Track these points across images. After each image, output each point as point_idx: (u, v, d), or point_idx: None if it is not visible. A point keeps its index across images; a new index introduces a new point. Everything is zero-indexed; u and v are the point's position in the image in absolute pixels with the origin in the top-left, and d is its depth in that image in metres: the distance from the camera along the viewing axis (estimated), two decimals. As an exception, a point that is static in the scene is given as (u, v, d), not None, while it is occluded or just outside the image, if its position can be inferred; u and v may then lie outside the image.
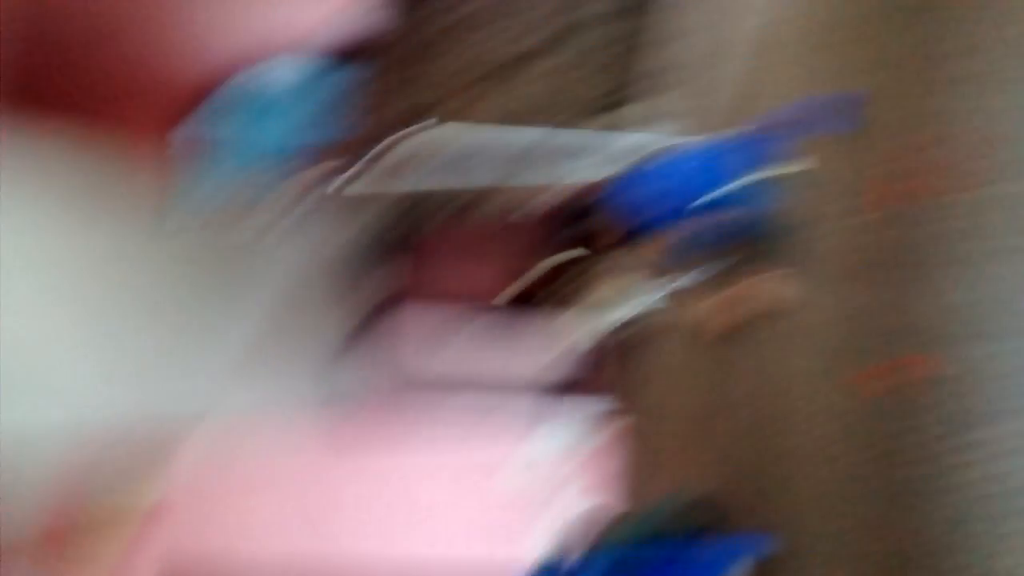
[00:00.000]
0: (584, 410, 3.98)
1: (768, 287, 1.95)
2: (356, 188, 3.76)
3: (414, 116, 3.86)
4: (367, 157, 3.72)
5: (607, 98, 3.64)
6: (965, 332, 0.99)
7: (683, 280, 3.09)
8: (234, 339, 3.40)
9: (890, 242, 1.08)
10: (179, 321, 3.24)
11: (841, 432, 1.45)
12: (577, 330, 3.35)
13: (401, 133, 3.43)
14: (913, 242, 1.02)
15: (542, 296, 3.33)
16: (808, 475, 1.60)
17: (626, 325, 3.32)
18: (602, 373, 4.42)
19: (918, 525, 1.23)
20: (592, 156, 3.56)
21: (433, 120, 3.76)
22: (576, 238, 2.12)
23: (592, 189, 2.08)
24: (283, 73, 3.37)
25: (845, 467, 1.45)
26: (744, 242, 1.97)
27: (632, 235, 2.12)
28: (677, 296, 3.06)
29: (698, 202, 1.99)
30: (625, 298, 3.23)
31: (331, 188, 3.70)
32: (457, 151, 3.59)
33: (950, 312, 1.02)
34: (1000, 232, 0.92)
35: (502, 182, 3.55)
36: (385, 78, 3.99)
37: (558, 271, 3.23)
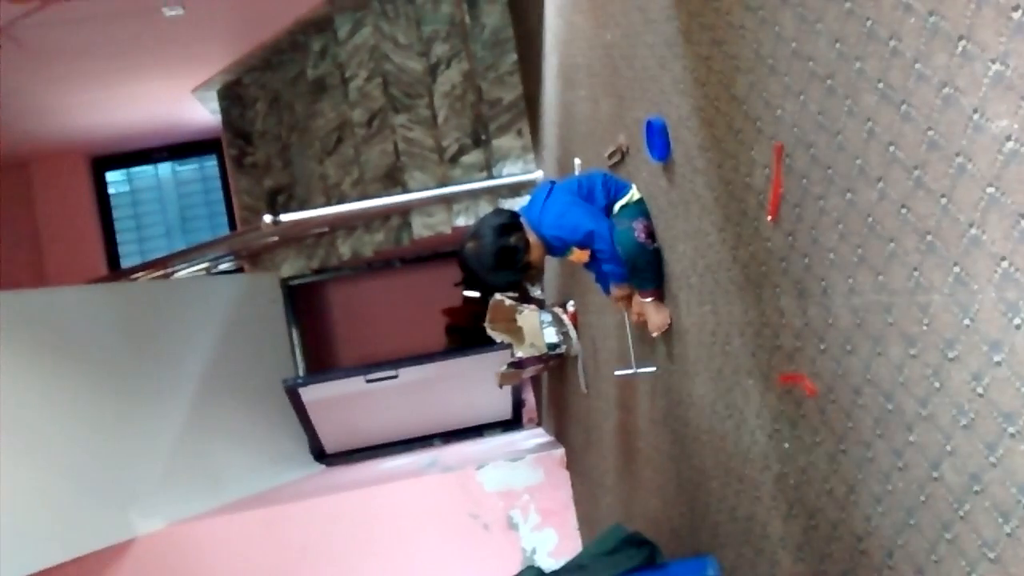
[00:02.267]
0: (528, 443, 4.12)
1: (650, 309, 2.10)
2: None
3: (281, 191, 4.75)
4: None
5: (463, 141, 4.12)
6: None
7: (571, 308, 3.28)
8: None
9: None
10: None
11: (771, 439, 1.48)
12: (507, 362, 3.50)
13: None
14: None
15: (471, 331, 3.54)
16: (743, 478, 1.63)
17: (548, 356, 3.44)
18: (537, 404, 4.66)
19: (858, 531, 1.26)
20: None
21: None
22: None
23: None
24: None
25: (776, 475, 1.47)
26: (625, 269, 2.10)
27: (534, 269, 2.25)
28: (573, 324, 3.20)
29: (576, 236, 2.15)
30: (540, 331, 3.39)
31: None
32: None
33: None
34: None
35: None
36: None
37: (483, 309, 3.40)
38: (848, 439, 1.30)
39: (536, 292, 4.00)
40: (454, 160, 4.22)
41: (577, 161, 2.94)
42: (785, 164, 1.38)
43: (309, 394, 4.50)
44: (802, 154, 1.32)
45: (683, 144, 1.86)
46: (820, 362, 1.36)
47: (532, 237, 2.22)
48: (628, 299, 2.23)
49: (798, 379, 1.44)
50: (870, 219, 1.15)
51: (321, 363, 5.61)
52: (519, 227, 2.22)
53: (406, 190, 4.22)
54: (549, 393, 4.48)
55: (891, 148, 1.09)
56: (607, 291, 2.36)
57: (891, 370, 1.15)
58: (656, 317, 2.13)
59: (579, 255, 2.26)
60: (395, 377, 4.54)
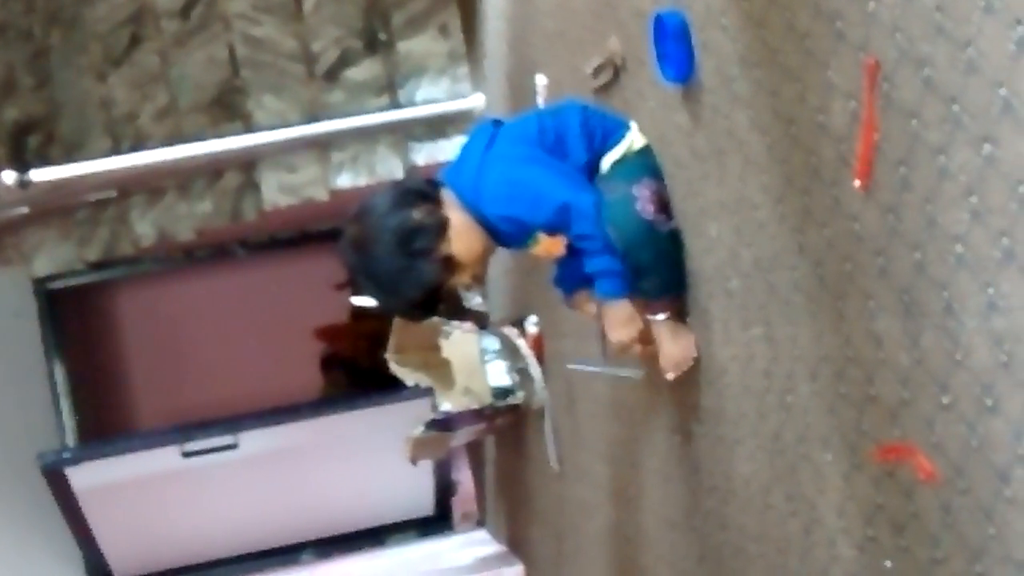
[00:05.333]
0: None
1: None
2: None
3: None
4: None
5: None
6: None
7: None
8: None
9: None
10: None
11: None
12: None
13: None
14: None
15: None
16: None
17: (494, 410, 3.49)
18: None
19: None
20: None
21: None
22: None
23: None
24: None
25: None
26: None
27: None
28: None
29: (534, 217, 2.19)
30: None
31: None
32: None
33: None
34: None
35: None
36: None
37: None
38: (988, 555, 1.31)
39: (474, 302, 3.99)
40: (332, 76, 4.19)
41: (540, 82, 2.94)
42: (882, 92, 1.38)
43: (83, 477, 4.41)
44: (910, 75, 1.32)
45: (715, 54, 1.85)
46: (942, 425, 1.36)
47: (460, 217, 2.21)
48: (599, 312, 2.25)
49: (906, 453, 1.44)
50: (1023, 187, 1.16)
51: (105, 424, 5.54)
52: (430, 201, 2.21)
53: (250, 127, 4.17)
54: (497, 472, 4.48)
55: (1055, 69, 1.09)
56: (568, 294, 2.39)
57: (1058, 440, 1.16)
58: (673, 347, 2.13)
59: (549, 245, 2.25)
60: (234, 447, 4.49)
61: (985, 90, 1.20)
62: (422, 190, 2.24)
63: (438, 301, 2.31)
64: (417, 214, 2.19)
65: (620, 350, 2.19)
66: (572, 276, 2.33)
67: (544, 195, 2.14)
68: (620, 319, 2.16)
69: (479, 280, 2.36)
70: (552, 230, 2.20)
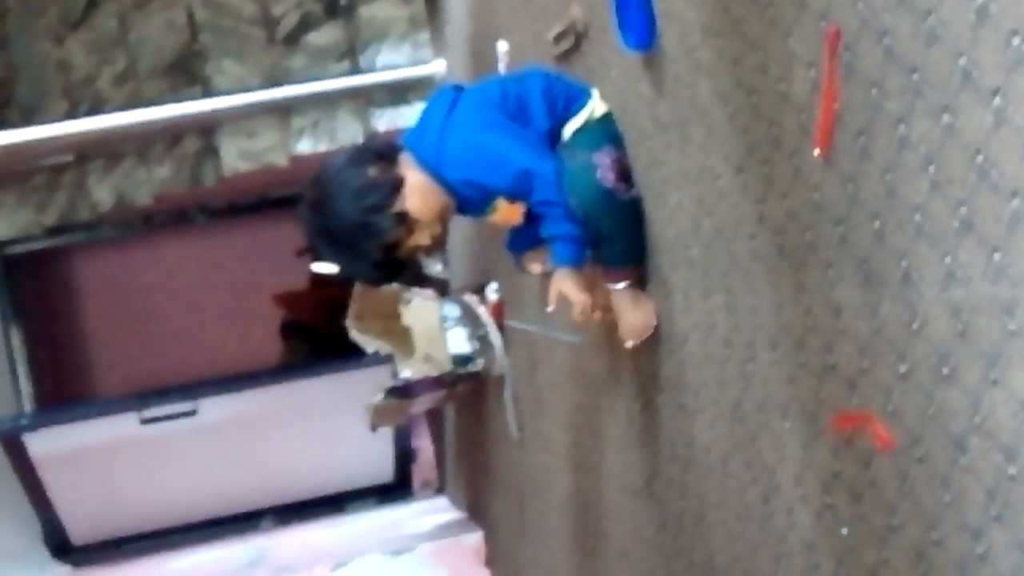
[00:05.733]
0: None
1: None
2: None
3: None
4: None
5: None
6: None
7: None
8: None
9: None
10: None
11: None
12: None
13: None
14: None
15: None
16: None
17: (454, 377, 3.49)
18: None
19: None
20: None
21: None
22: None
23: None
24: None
25: None
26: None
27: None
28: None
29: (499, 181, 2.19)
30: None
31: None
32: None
33: None
34: None
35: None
36: None
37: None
38: (944, 523, 1.33)
39: (435, 269, 3.99)
40: (292, 40, 4.16)
41: (502, 48, 2.93)
42: (843, 61, 1.39)
43: (41, 444, 4.40)
44: (871, 45, 1.33)
45: (677, 22, 1.85)
46: (899, 394, 1.38)
47: (416, 176, 2.20)
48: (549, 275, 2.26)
49: (863, 421, 1.46)
50: (981, 157, 1.17)
51: (63, 390, 5.52)
52: (387, 161, 2.21)
53: (209, 92, 4.14)
54: (457, 440, 4.48)
55: (1016, 39, 1.10)
56: (517, 256, 2.40)
57: (1017, 408, 1.17)
58: (633, 315, 2.14)
59: (507, 212, 2.25)
60: (192, 414, 4.48)
61: (946, 60, 1.21)
62: (379, 150, 2.25)
63: (399, 265, 2.31)
64: (372, 170, 2.20)
65: (580, 316, 2.19)
66: (523, 240, 2.35)
67: (505, 160, 2.14)
68: (573, 284, 2.16)
69: (438, 241, 2.36)
70: (512, 196, 2.20)
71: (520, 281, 3.06)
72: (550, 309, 2.20)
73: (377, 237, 2.21)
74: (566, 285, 2.15)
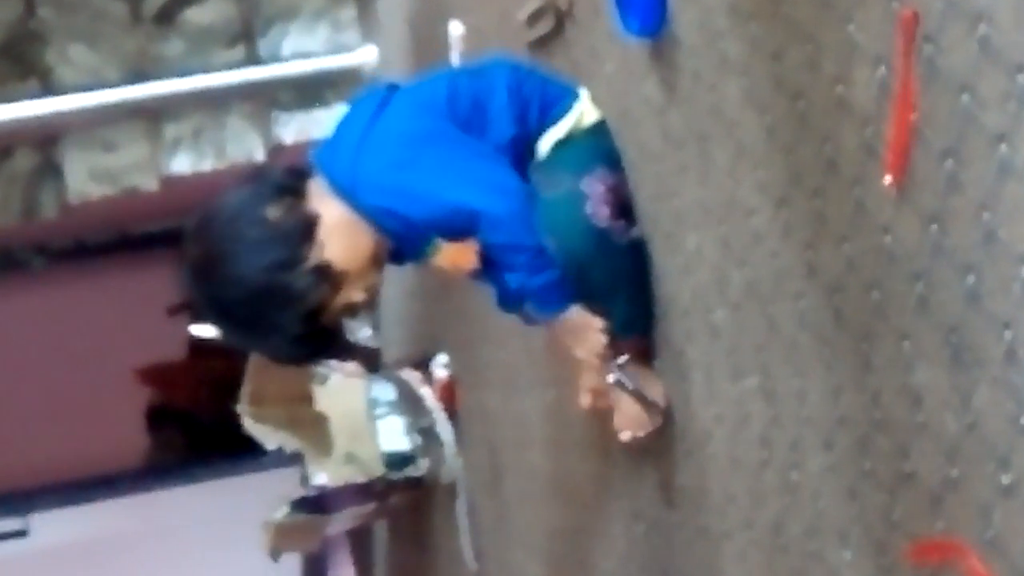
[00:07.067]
0: None
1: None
2: None
3: None
4: None
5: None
6: None
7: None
8: None
9: None
10: None
11: None
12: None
13: None
14: None
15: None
16: None
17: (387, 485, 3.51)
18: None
19: None
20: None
21: None
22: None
23: None
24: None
25: None
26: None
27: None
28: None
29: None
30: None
31: None
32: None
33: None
34: None
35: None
36: None
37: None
38: None
39: (361, 334, 4.00)
40: (166, 18, 4.18)
41: (455, 32, 2.94)
42: (923, 56, 1.39)
43: None
44: (961, 34, 1.34)
45: (695, 2, 1.87)
46: (1001, 515, 1.38)
47: (335, 211, 2.21)
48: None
49: (952, 552, 1.46)
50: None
51: None
52: (291, 194, 2.22)
53: (51, 88, 4.16)
54: (392, 570, 4.48)
55: None
56: (527, 317, 2.38)
57: None
58: (633, 399, 2.14)
59: (454, 255, 2.25)
60: (22, 534, 4.47)
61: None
62: (279, 182, 2.24)
63: (327, 335, 2.31)
64: (273, 211, 2.19)
65: (591, 390, 2.18)
66: (508, 293, 2.32)
67: (433, 191, 2.14)
68: (579, 331, 2.16)
69: (373, 295, 2.35)
70: (450, 235, 2.20)
71: (479, 352, 3.06)
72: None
73: (291, 304, 2.20)
74: (592, 337, 2.15)
